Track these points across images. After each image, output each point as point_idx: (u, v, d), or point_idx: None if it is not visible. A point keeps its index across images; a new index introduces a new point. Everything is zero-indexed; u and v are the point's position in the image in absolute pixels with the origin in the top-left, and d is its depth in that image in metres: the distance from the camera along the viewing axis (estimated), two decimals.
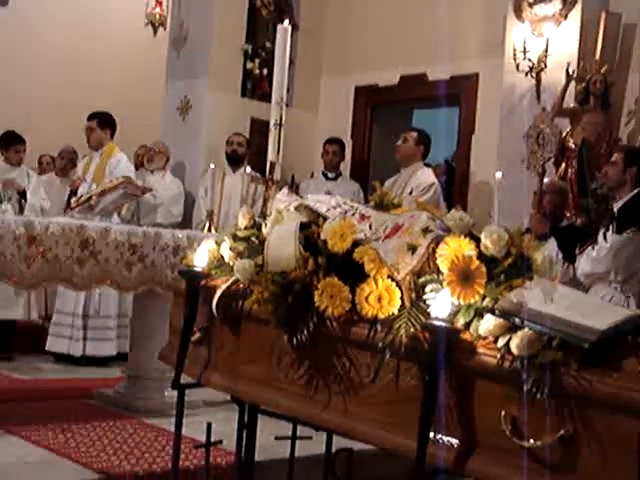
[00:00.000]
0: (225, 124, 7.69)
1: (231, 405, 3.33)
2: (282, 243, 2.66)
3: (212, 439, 3.14)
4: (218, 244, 3.04)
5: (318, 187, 7.30)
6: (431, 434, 2.17)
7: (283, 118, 3.72)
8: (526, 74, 6.35)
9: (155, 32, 8.82)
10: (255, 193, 7.02)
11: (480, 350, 2.14)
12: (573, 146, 5.99)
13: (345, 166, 7.82)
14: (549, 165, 6.10)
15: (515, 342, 2.05)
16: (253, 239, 2.93)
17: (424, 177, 6.62)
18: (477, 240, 2.31)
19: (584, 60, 6.11)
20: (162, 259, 4.68)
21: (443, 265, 2.27)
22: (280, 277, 2.61)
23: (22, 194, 6.85)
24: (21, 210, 6.68)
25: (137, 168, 7.48)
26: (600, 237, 4.61)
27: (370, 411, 2.40)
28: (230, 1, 7.86)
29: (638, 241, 4.53)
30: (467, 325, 2.19)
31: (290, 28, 3.87)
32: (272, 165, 3.75)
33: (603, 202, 5.44)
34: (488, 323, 2.14)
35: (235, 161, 7.40)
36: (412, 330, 2.25)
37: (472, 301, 2.19)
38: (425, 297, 2.29)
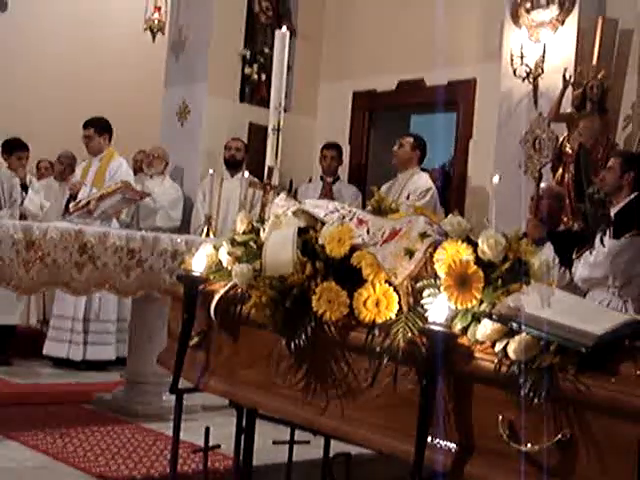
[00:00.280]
0: (223, 129, 7.71)
1: (229, 410, 3.35)
2: (280, 248, 2.66)
3: (210, 443, 3.14)
4: (216, 249, 3.04)
5: (316, 192, 7.32)
6: (429, 438, 2.17)
7: (281, 123, 3.72)
8: (523, 79, 6.36)
9: (154, 37, 8.81)
10: (253, 198, 7.02)
11: (477, 355, 2.14)
12: (570, 151, 6.00)
13: (343, 170, 7.83)
14: (546, 170, 6.11)
15: (512, 347, 2.06)
16: (251, 244, 2.93)
17: (421, 182, 6.64)
18: (474, 245, 2.32)
19: (581, 65, 6.12)
20: (160, 264, 4.69)
21: (440, 270, 2.28)
22: (278, 282, 2.62)
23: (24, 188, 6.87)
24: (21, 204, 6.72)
25: (136, 173, 7.49)
26: (597, 242, 4.61)
27: (368, 415, 2.40)
28: (229, 7, 7.87)
29: (636, 246, 4.53)
30: (464, 330, 2.20)
31: (288, 34, 3.88)
32: (270, 170, 3.75)
33: (600, 207, 5.45)
34: (485, 328, 2.15)
35: (233, 166, 7.42)
36: (410, 335, 2.26)
37: (469, 306, 2.20)
38: (423, 302, 2.30)
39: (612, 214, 4.74)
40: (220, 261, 3.00)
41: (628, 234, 4.52)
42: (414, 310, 2.31)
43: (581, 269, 4.70)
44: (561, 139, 6.11)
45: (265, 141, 3.81)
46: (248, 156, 7.44)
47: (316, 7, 8.39)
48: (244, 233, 3.03)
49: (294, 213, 2.87)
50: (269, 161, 3.75)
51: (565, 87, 6.05)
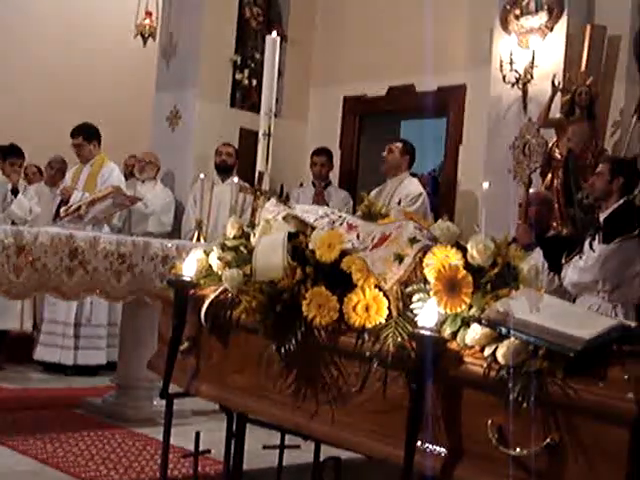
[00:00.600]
0: (214, 134, 7.70)
1: (219, 414, 3.34)
2: (270, 253, 2.67)
3: (200, 448, 3.14)
4: (207, 254, 3.05)
5: (308, 197, 7.33)
6: (418, 443, 2.18)
7: (272, 128, 3.74)
8: (512, 85, 6.39)
9: (145, 43, 8.82)
10: (244, 203, 7.02)
11: (467, 359, 2.15)
12: (559, 156, 6.03)
13: (334, 175, 7.85)
14: (535, 175, 6.13)
15: (501, 351, 2.07)
16: (241, 249, 2.94)
17: (412, 187, 6.65)
18: (464, 250, 2.33)
19: (570, 72, 6.15)
20: (151, 268, 4.69)
21: (430, 275, 2.29)
22: (268, 286, 2.63)
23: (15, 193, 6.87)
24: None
25: (127, 178, 7.48)
26: (586, 247, 4.63)
27: (358, 420, 2.41)
28: (219, 12, 7.88)
29: (625, 250, 4.56)
30: (454, 334, 2.21)
31: (279, 39, 3.90)
32: (261, 175, 3.76)
33: (589, 212, 5.48)
34: (474, 332, 2.16)
35: (224, 171, 7.42)
36: (399, 339, 2.27)
37: (459, 310, 2.21)
38: (412, 306, 2.31)
39: (601, 219, 4.76)
40: (210, 266, 3.01)
41: (617, 239, 4.55)
42: (404, 315, 2.32)
43: (570, 274, 4.72)
44: (550, 144, 6.14)
45: (256, 146, 3.82)
46: (239, 161, 7.44)
47: (307, 13, 8.41)
48: (234, 238, 3.04)
49: (284, 218, 2.88)
50: (260, 166, 3.76)
51: (554, 93, 6.08)
